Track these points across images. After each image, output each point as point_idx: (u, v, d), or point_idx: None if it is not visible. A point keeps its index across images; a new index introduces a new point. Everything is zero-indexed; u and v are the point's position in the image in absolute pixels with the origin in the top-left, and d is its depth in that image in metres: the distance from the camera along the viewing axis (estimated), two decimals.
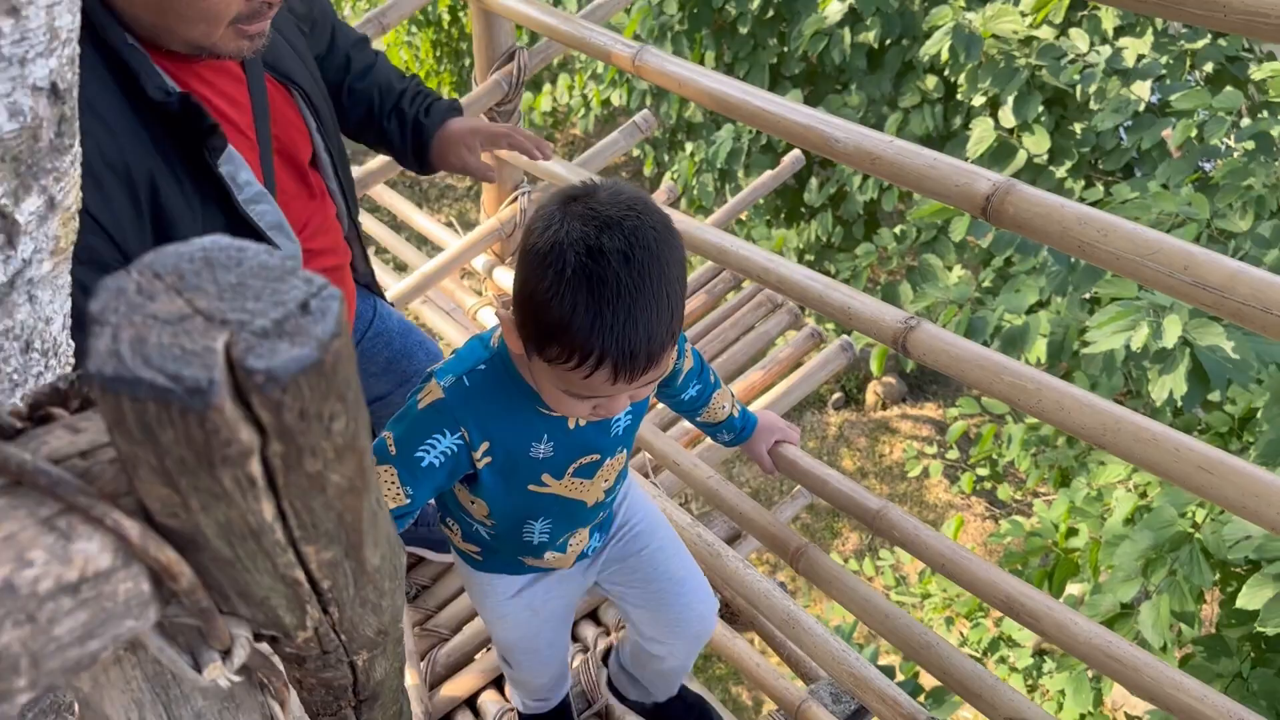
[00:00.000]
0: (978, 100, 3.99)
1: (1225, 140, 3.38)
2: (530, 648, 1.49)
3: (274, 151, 1.32)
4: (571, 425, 1.14)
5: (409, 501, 1.06)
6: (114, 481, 0.39)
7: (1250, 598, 2.24)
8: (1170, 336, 2.46)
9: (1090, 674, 2.87)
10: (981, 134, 3.84)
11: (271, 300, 0.35)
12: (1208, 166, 3.56)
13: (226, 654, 0.45)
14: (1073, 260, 3.13)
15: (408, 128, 1.61)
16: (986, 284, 3.82)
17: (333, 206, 1.49)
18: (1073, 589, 3.21)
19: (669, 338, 0.95)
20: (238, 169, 1.20)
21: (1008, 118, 3.82)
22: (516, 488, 1.17)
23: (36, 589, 0.34)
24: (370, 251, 1.79)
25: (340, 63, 1.58)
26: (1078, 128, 3.90)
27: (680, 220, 1.78)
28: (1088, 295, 3.21)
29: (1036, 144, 3.78)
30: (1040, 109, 3.78)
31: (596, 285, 0.89)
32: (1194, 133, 3.31)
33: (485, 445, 1.09)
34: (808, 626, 1.66)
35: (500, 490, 1.16)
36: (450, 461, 1.08)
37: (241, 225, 1.22)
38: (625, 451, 1.26)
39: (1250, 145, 3.16)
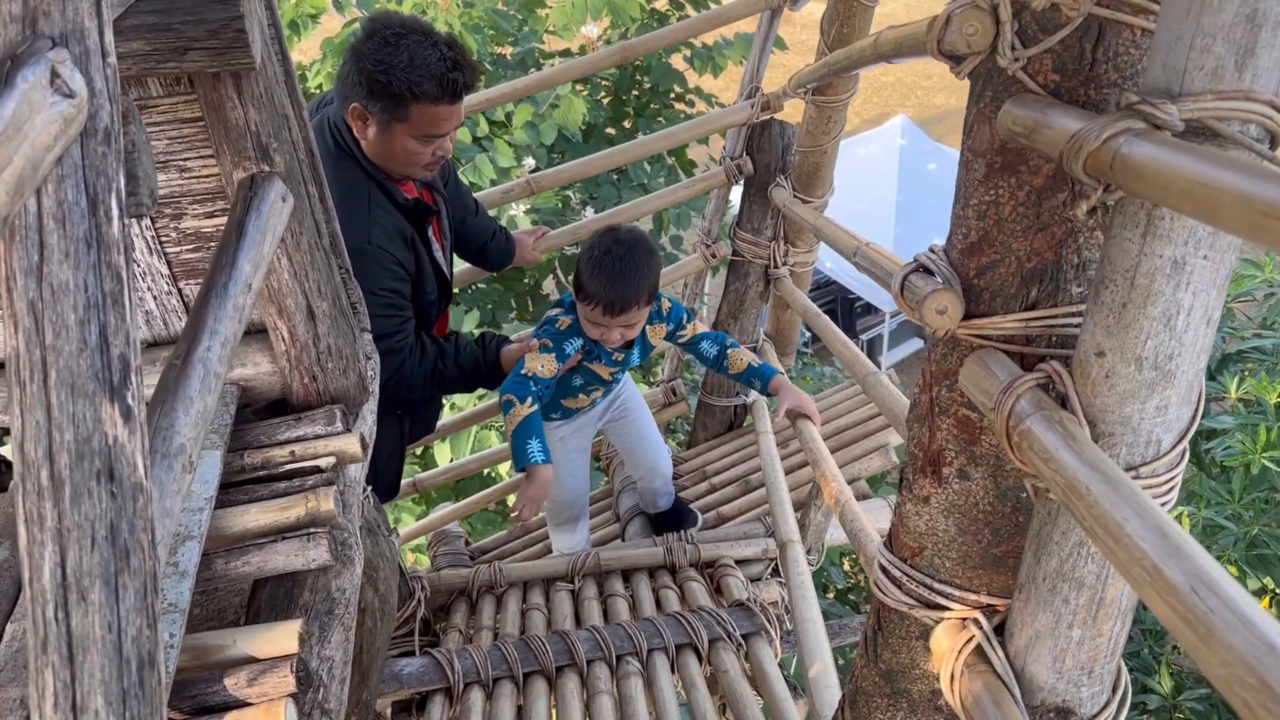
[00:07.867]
0: None
1: None
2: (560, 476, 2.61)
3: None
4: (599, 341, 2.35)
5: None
6: None
7: None
8: None
9: None
10: None
11: None
12: None
13: None
14: None
15: (505, 245, 2.84)
16: None
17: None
18: None
19: (640, 301, 2.18)
20: (434, 236, 2.32)
21: None
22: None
23: None
24: None
25: (468, 201, 2.67)
26: None
27: None
28: None
29: None
30: None
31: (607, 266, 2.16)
32: None
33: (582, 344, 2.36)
34: None
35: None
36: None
37: (436, 266, 2.30)
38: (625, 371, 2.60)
39: None
